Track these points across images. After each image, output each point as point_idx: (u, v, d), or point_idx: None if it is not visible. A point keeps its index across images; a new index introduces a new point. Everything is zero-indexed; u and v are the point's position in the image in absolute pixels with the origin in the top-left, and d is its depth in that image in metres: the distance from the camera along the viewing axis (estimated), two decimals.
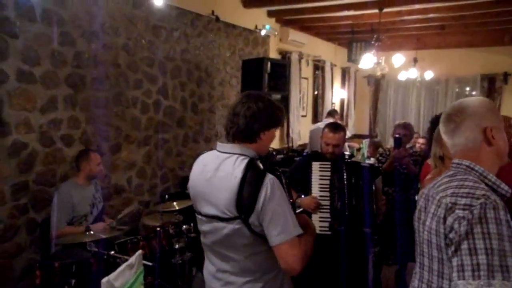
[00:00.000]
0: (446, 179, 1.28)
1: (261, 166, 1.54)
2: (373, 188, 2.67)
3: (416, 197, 1.39)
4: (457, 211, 1.13)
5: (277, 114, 1.63)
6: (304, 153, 5.61)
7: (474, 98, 1.36)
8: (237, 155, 1.55)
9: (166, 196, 3.37)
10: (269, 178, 1.49)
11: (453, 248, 1.12)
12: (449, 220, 1.14)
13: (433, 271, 1.25)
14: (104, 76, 3.61)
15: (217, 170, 1.55)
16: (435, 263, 1.23)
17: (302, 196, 2.78)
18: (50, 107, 3.18)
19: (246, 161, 1.53)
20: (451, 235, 1.12)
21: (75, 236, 2.64)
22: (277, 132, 5.39)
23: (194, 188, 1.65)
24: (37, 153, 3.12)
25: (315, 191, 2.71)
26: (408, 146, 3.57)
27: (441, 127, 1.36)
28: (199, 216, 1.65)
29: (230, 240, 1.54)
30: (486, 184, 1.21)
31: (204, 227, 1.63)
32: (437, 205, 1.21)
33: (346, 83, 8.99)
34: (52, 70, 3.17)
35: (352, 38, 6.29)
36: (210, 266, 1.69)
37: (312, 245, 1.60)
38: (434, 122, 2.43)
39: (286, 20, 6.31)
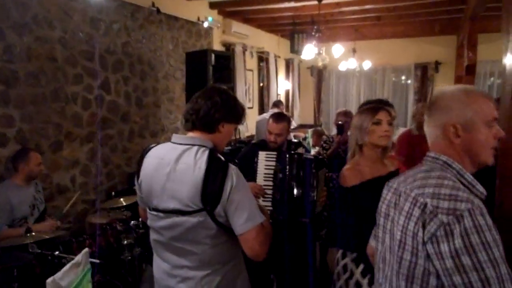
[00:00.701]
0: (421, 174, 1.19)
1: (221, 157, 1.54)
2: (315, 180, 2.67)
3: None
4: (440, 215, 1.04)
5: (238, 110, 1.65)
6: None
7: (452, 88, 1.26)
8: (197, 146, 1.53)
9: (113, 193, 3.30)
10: (232, 168, 1.50)
11: (438, 263, 1.04)
12: (432, 225, 1.05)
13: (400, 275, 1.16)
14: (40, 71, 3.44)
15: (177, 163, 1.51)
16: (404, 267, 1.14)
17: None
18: None
19: (207, 152, 1.52)
20: (432, 246, 1.04)
21: (14, 239, 2.52)
22: None
23: (149, 183, 1.57)
24: None
25: (260, 180, 2.73)
26: (349, 133, 3.74)
27: (425, 116, 1.30)
28: (153, 213, 1.59)
29: (192, 234, 1.52)
30: (462, 184, 1.13)
31: (160, 223, 1.57)
32: (412, 203, 1.12)
33: (290, 74, 9.18)
34: None
35: (294, 29, 6.43)
36: (163, 264, 1.64)
37: (271, 227, 1.63)
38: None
39: (228, 11, 6.32)
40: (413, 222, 1.10)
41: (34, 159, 2.98)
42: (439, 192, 1.08)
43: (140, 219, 2.99)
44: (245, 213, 1.47)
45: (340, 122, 3.48)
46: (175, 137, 1.61)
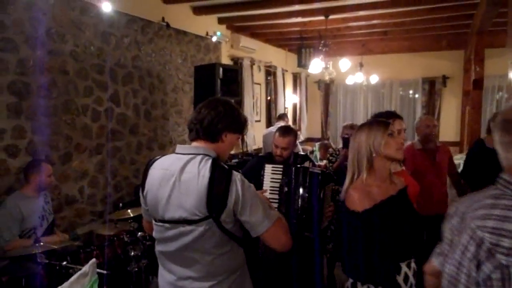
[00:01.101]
0: (489, 201, 1.00)
1: (225, 166, 1.56)
2: (322, 194, 2.64)
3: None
4: (498, 255, 0.88)
5: (241, 120, 1.69)
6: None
7: None
8: (201, 155, 1.56)
9: (120, 204, 3.32)
10: (236, 174, 1.53)
11: None
12: (488, 266, 0.90)
13: None
14: (52, 83, 3.50)
15: (182, 172, 1.53)
16: None
17: None
18: None
19: (210, 160, 1.55)
20: None
21: (23, 249, 2.54)
22: None
23: (154, 194, 1.59)
24: None
25: (266, 193, 2.74)
26: (351, 151, 3.75)
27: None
28: (159, 224, 1.60)
29: (198, 243, 1.53)
30: None
31: (167, 234, 1.58)
32: (471, 236, 0.96)
33: (298, 88, 9.23)
34: None
35: (301, 44, 6.50)
36: (169, 275, 1.64)
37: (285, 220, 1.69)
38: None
39: (236, 26, 6.42)
40: (467, 258, 0.95)
41: (46, 170, 3.02)
42: (502, 226, 0.90)
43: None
44: (260, 214, 1.52)
45: (346, 136, 3.48)
46: (179, 148, 1.64)
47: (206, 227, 1.50)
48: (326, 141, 6.88)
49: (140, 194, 1.69)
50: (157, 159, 1.68)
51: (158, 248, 1.67)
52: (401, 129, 2.40)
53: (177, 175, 1.53)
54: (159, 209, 1.58)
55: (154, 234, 1.66)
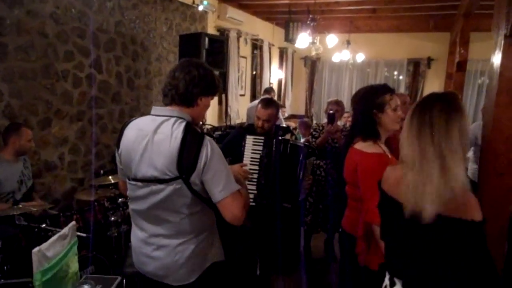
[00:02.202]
0: None
1: (197, 128, 1.60)
2: (302, 167, 2.68)
3: None
4: None
5: (215, 82, 1.70)
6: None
7: None
8: (175, 118, 1.60)
9: (101, 171, 3.30)
10: (208, 139, 1.57)
11: None
12: None
13: None
14: (30, 45, 3.39)
15: (155, 133, 1.57)
16: None
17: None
18: None
19: (184, 123, 1.58)
20: None
21: (1, 211, 2.51)
22: (216, 110, 5.44)
23: (128, 153, 1.63)
24: None
25: (247, 163, 2.76)
26: (340, 123, 3.77)
27: None
28: (132, 182, 1.65)
29: (168, 202, 1.58)
30: None
31: (139, 192, 1.63)
32: None
33: (284, 63, 9.17)
34: None
35: (289, 18, 6.41)
36: (140, 232, 1.71)
37: (247, 194, 1.75)
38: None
39: None
40: None
41: (26, 135, 2.96)
42: None
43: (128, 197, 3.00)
44: (222, 181, 1.55)
45: (331, 112, 3.51)
46: (154, 109, 1.66)
47: (176, 187, 1.55)
48: (305, 119, 6.86)
49: (116, 153, 1.73)
50: (133, 119, 1.71)
51: (131, 206, 1.73)
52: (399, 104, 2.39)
53: (151, 136, 1.57)
54: (132, 168, 1.62)
55: (128, 192, 1.71)
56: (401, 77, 8.77)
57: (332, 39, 5.84)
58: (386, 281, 1.48)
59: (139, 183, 1.62)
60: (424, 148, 1.29)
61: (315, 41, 5.30)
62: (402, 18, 7.71)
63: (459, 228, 1.22)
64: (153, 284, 1.75)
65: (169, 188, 1.55)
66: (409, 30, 8.23)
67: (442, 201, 1.23)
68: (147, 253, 1.69)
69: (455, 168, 1.24)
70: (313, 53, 5.46)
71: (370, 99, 2.00)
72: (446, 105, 1.31)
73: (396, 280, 1.43)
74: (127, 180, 1.69)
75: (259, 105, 2.87)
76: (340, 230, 2.25)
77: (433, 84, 8.39)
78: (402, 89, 8.62)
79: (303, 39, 5.16)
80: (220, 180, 1.54)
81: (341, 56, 7.48)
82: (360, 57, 8.11)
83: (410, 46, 8.46)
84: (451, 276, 1.27)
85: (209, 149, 1.54)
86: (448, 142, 1.26)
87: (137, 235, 1.74)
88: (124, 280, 2.19)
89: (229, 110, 6.64)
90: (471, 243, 1.23)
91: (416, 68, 8.53)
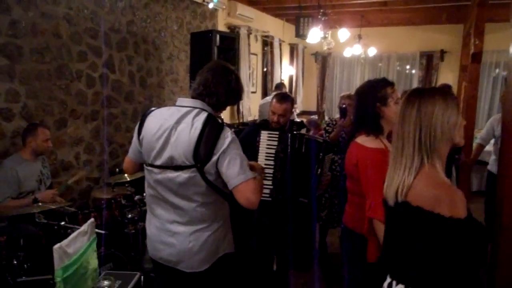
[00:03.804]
0: None
1: (219, 120, 1.65)
2: (320, 162, 2.64)
3: None
4: None
5: (241, 94, 1.82)
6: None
7: None
8: (198, 109, 1.66)
9: (117, 169, 3.33)
10: (227, 131, 1.62)
11: None
12: None
13: None
14: (45, 47, 3.43)
15: (178, 123, 1.63)
16: None
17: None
18: None
19: (206, 114, 1.64)
20: None
21: (21, 209, 2.55)
22: (228, 107, 5.48)
23: (150, 140, 1.68)
24: None
25: (261, 159, 2.74)
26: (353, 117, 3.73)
27: None
28: (149, 168, 1.71)
29: (183, 189, 1.63)
30: None
31: (155, 177, 1.69)
32: None
33: (295, 60, 9.13)
34: None
35: (299, 13, 6.38)
36: (156, 220, 1.76)
37: (262, 182, 1.80)
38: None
39: None
40: None
41: (42, 135, 2.99)
42: None
43: (144, 194, 3.02)
44: (236, 168, 1.59)
45: (343, 106, 3.48)
46: (180, 101, 1.73)
47: (191, 175, 1.60)
48: (313, 117, 6.75)
49: (135, 137, 1.78)
50: (155, 109, 1.77)
51: (148, 191, 1.78)
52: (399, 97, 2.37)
53: (174, 125, 1.64)
54: (151, 155, 1.68)
55: (146, 177, 1.77)
56: (413, 71, 8.66)
57: (344, 33, 5.79)
58: (386, 284, 1.43)
59: (156, 169, 1.67)
60: (407, 132, 1.32)
61: (327, 35, 5.27)
62: (414, 11, 7.60)
63: (422, 218, 1.25)
64: (168, 272, 1.79)
65: (183, 176, 1.61)
66: (421, 23, 8.11)
67: (406, 188, 1.28)
68: (163, 240, 1.73)
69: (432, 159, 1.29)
70: (325, 47, 5.43)
71: (373, 93, 1.99)
72: (436, 96, 1.32)
73: (394, 285, 1.38)
74: (145, 165, 1.75)
75: (274, 100, 2.86)
76: (342, 226, 2.22)
77: (447, 77, 8.26)
78: (415, 83, 8.53)
79: (315, 34, 5.13)
80: (234, 166, 1.59)
81: (353, 50, 7.43)
82: (372, 51, 8.04)
83: (422, 39, 8.34)
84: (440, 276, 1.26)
85: (227, 140, 1.58)
86: (431, 131, 1.29)
87: (152, 223, 1.79)
88: (142, 276, 2.20)
89: (241, 107, 6.64)
90: (441, 237, 1.23)
91: (429, 61, 8.41)
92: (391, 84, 2.03)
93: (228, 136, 1.60)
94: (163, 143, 1.64)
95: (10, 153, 3.09)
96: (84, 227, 1.97)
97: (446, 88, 2.08)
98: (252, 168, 1.71)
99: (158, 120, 1.69)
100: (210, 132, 1.58)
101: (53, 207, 2.50)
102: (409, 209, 1.27)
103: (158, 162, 1.66)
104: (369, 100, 1.98)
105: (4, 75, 3.13)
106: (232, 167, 1.58)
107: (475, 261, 1.26)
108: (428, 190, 1.25)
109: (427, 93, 1.35)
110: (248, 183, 1.60)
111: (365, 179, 1.87)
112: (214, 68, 1.73)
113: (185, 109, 1.66)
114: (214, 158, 1.57)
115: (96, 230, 2.11)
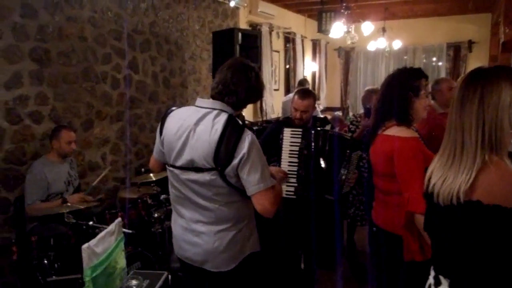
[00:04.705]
0: None
1: (240, 122, 1.61)
2: (348, 160, 2.57)
3: None
4: None
5: (262, 92, 1.77)
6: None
7: None
8: (218, 110, 1.63)
9: (143, 169, 3.36)
10: (248, 133, 1.58)
11: None
12: None
13: None
14: (71, 50, 3.50)
15: (197, 124, 1.61)
16: None
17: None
18: (15, 82, 3.07)
19: (226, 116, 1.61)
20: None
21: (51, 209, 2.60)
22: (251, 105, 5.38)
23: (170, 141, 1.67)
24: (4, 131, 3.03)
25: (285, 157, 2.71)
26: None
27: None
28: (171, 169, 1.70)
29: (205, 190, 1.62)
30: None
31: (177, 178, 1.68)
32: None
33: (317, 55, 9.03)
34: (14, 44, 3.05)
35: (322, 8, 6.28)
36: (181, 220, 1.76)
37: (281, 189, 1.80)
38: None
39: None
40: None
41: (65, 137, 3.01)
42: None
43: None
44: (257, 176, 1.56)
45: (368, 106, 3.39)
46: (199, 101, 1.70)
47: (212, 177, 1.59)
48: (337, 113, 6.63)
49: (157, 137, 1.77)
50: (175, 109, 1.75)
51: (171, 191, 1.78)
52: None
53: (193, 127, 1.61)
54: (172, 155, 1.67)
55: (168, 177, 1.77)
56: (440, 63, 8.42)
57: (367, 26, 5.67)
58: (431, 280, 1.31)
59: (177, 170, 1.66)
60: (468, 125, 1.15)
61: (350, 29, 5.17)
62: (439, 1, 7.35)
63: (500, 217, 1.08)
64: (195, 272, 1.78)
65: (205, 178, 1.60)
66: (447, 13, 7.87)
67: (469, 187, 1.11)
68: (188, 240, 1.73)
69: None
70: (348, 42, 5.33)
71: (407, 81, 1.89)
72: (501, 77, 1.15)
73: (442, 279, 1.26)
74: (167, 166, 1.74)
75: (296, 96, 2.81)
76: (374, 229, 2.06)
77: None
78: (442, 75, 8.27)
79: (338, 29, 5.04)
80: (255, 174, 1.56)
81: (377, 44, 7.27)
82: (397, 44, 7.85)
83: (449, 30, 8.09)
84: (500, 276, 1.12)
85: (247, 144, 1.55)
86: (497, 124, 1.12)
87: (178, 222, 1.79)
88: (170, 276, 2.21)
89: (264, 105, 6.61)
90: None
91: (457, 53, 8.16)
92: (426, 76, 1.94)
93: (248, 139, 1.56)
94: (182, 143, 1.62)
95: (40, 155, 3.16)
96: (111, 226, 1.98)
97: None
98: (272, 175, 1.69)
99: (177, 120, 1.67)
100: (231, 134, 1.55)
101: (81, 207, 2.54)
102: (480, 209, 1.11)
103: (179, 163, 1.65)
104: (402, 87, 1.88)
105: (33, 79, 3.21)
106: (252, 174, 1.56)
107: None
108: (502, 186, 1.10)
109: (489, 77, 1.16)
110: (267, 192, 1.58)
111: (403, 170, 1.77)
112: (233, 66, 1.68)
113: (205, 110, 1.63)
114: (235, 161, 1.54)
115: (124, 229, 2.12)
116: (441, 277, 1.26)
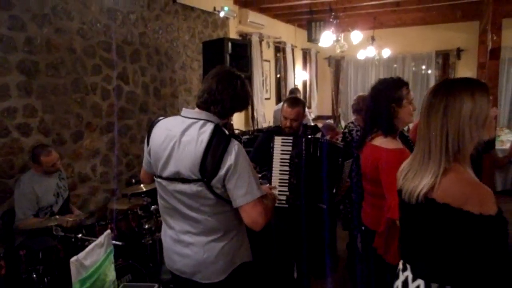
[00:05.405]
0: None
1: (226, 131, 1.59)
2: (340, 169, 2.57)
3: None
4: None
5: (248, 100, 1.75)
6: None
7: None
8: (203, 121, 1.60)
9: (133, 180, 3.33)
10: (234, 144, 1.56)
11: None
12: None
13: None
14: (60, 61, 3.49)
15: (183, 135, 1.58)
16: None
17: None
18: (2, 95, 3.05)
19: (212, 126, 1.58)
20: None
21: (41, 223, 2.56)
22: (242, 114, 5.40)
23: (157, 151, 1.65)
24: None
25: (276, 165, 2.68)
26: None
27: None
28: (158, 180, 1.68)
29: (192, 201, 1.60)
30: None
31: (165, 189, 1.66)
32: None
33: (308, 64, 9.09)
34: (2, 56, 3.03)
35: (311, 18, 6.35)
36: (170, 231, 1.73)
37: (273, 201, 1.76)
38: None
39: (244, 1, 6.29)
40: None
41: (46, 162, 2.94)
42: None
43: None
44: (244, 188, 1.54)
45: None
46: (184, 111, 1.67)
47: (199, 188, 1.56)
48: (328, 121, 6.62)
49: (145, 148, 1.75)
50: (162, 119, 1.73)
51: (160, 202, 1.75)
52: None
53: (178, 137, 1.58)
54: (159, 166, 1.65)
55: (157, 188, 1.75)
56: (429, 71, 8.51)
57: (356, 35, 5.73)
58: (400, 266, 1.46)
59: (164, 182, 1.64)
60: (433, 136, 1.26)
61: (339, 38, 5.22)
62: (428, 10, 7.48)
63: (449, 215, 1.22)
64: (185, 284, 1.75)
65: (191, 189, 1.57)
66: (436, 22, 7.99)
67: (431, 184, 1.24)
68: (178, 251, 1.70)
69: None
70: (338, 51, 5.37)
71: (388, 93, 1.96)
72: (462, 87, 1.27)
73: (407, 265, 1.41)
74: (155, 177, 1.72)
75: (285, 105, 2.82)
76: (363, 228, 2.19)
77: (464, 75, 8.02)
78: (432, 83, 8.36)
79: (327, 38, 5.09)
80: (242, 186, 1.53)
81: (366, 53, 7.34)
82: (386, 53, 7.93)
83: (437, 38, 8.21)
84: (451, 261, 1.26)
85: (234, 155, 1.53)
86: (459, 136, 1.23)
87: (167, 233, 1.76)
88: (161, 287, 2.18)
89: (255, 114, 6.63)
90: (470, 234, 1.19)
91: (446, 60, 8.27)
92: (406, 84, 2.01)
93: (235, 150, 1.53)
94: (168, 154, 1.60)
95: (28, 168, 3.13)
96: (100, 239, 1.96)
97: None
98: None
99: (163, 130, 1.65)
100: (217, 145, 1.52)
101: (70, 219, 2.51)
102: (435, 206, 1.23)
103: (165, 174, 1.62)
104: (384, 100, 1.96)
105: (21, 91, 3.18)
106: (239, 185, 1.53)
107: (506, 257, 1.21)
108: (455, 187, 1.22)
109: (453, 89, 1.26)
110: (256, 204, 1.55)
111: (386, 180, 1.84)
112: (219, 74, 1.65)
113: (190, 121, 1.60)
114: (221, 173, 1.51)
115: (113, 241, 2.09)
116: (406, 263, 1.41)
